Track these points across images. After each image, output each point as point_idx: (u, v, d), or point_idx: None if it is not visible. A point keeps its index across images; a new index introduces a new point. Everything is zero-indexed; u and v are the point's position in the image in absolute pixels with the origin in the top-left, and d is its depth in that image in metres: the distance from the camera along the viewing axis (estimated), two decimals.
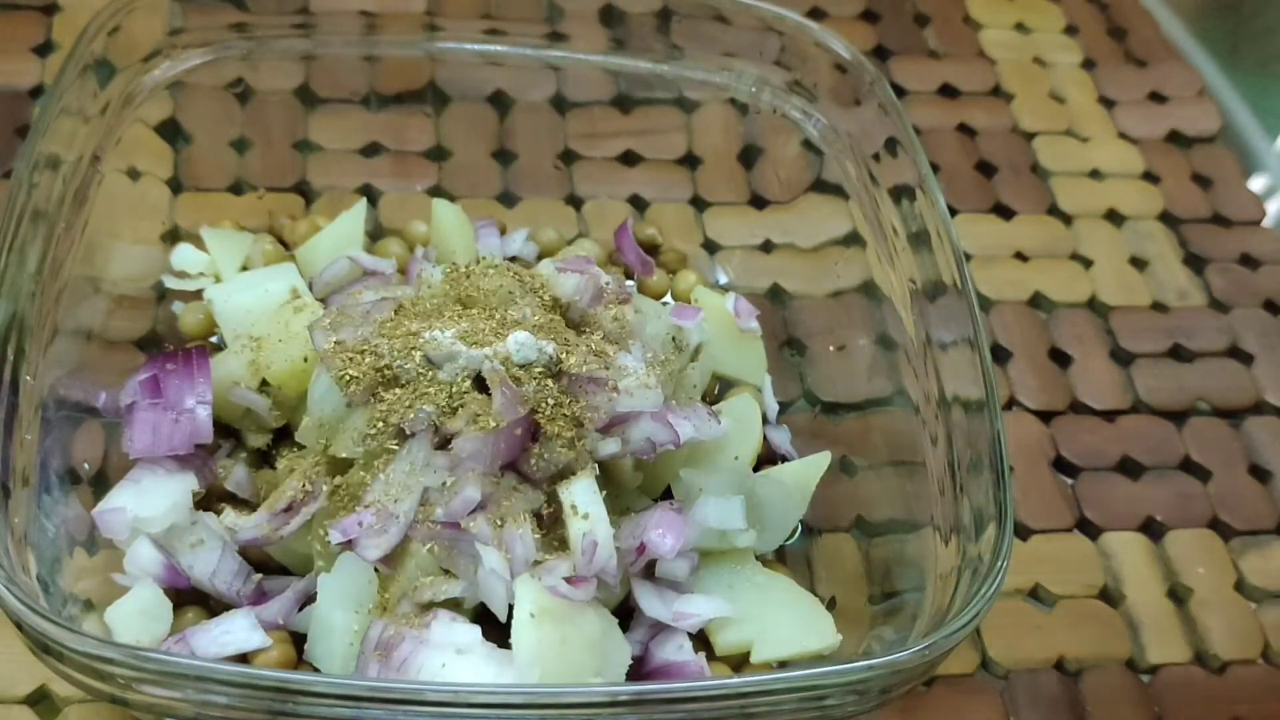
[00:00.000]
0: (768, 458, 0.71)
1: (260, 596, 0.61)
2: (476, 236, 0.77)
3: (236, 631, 0.59)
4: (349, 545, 0.58)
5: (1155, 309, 0.87)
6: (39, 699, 0.62)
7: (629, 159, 0.87)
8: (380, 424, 0.58)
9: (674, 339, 0.68)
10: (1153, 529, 0.76)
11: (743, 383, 0.74)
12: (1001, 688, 0.69)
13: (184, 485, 0.61)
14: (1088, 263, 0.88)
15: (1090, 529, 0.76)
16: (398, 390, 0.58)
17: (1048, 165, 0.94)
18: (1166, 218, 0.92)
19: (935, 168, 0.90)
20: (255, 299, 0.68)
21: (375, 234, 0.80)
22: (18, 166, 0.62)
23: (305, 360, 0.64)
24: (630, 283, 0.77)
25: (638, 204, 0.85)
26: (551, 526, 0.59)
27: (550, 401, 0.58)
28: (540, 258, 0.78)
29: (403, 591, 0.58)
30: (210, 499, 0.63)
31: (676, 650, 0.61)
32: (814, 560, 0.69)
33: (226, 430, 0.66)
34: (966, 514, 0.58)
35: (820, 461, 0.68)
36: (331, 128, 0.84)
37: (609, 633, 0.58)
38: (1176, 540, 0.76)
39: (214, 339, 0.72)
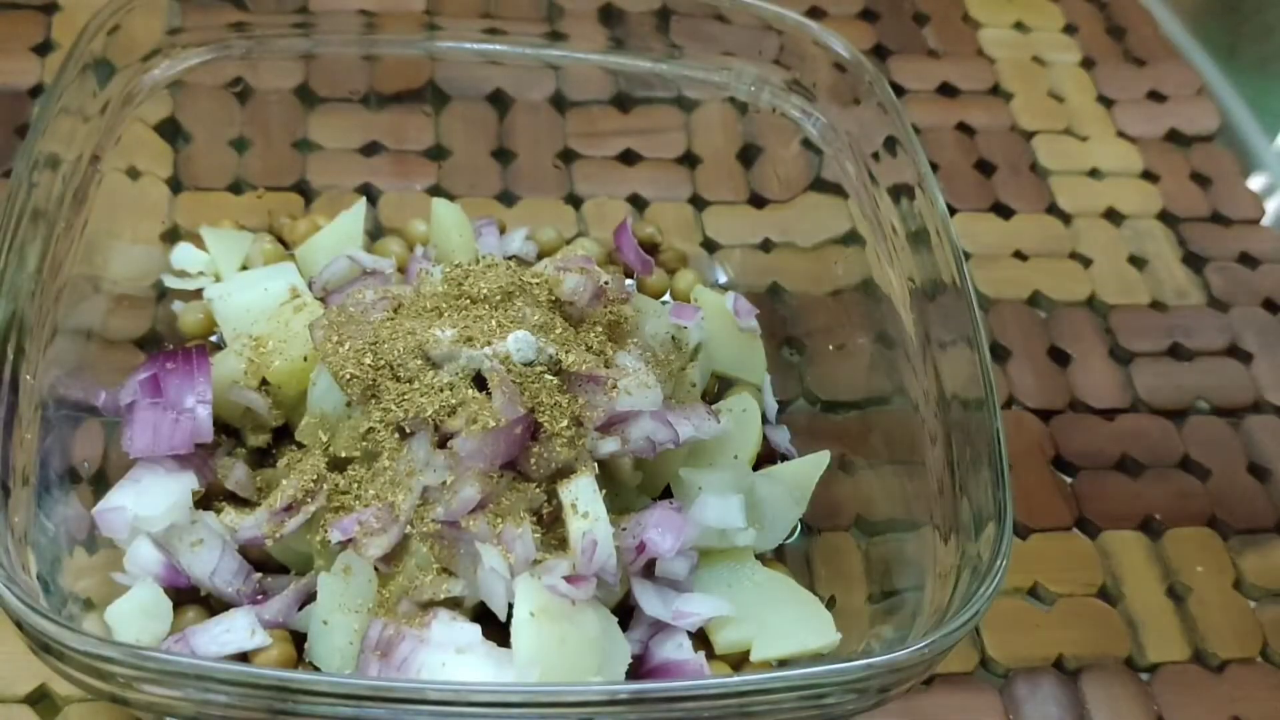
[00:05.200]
0: (767, 456, 0.71)
1: (260, 595, 0.61)
2: (476, 235, 0.77)
3: (236, 630, 0.59)
4: (349, 544, 0.58)
5: (1154, 308, 0.87)
6: (39, 698, 0.63)
7: (628, 158, 0.87)
8: (380, 423, 0.59)
9: (673, 338, 0.68)
10: (1152, 527, 0.76)
11: (742, 381, 0.74)
12: (1000, 686, 0.69)
13: (184, 484, 0.61)
14: (1087, 261, 0.89)
15: (1089, 527, 0.76)
16: (397, 389, 0.59)
17: (1047, 164, 0.94)
18: (1165, 216, 0.92)
19: (934, 167, 0.90)
20: (255, 298, 0.68)
21: (375, 233, 0.80)
22: (17, 166, 0.62)
23: (305, 359, 0.64)
24: (630, 281, 0.77)
25: (637, 203, 0.85)
26: (551, 525, 0.59)
27: (550, 400, 0.58)
28: (540, 257, 0.78)
29: (403, 590, 0.58)
30: (210, 498, 0.63)
31: (676, 649, 0.61)
32: (813, 559, 0.69)
33: (226, 429, 0.66)
34: (966, 513, 0.58)
35: (819, 460, 0.68)
36: (331, 127, 0.84)
37: (608, 631, 0.58)
38: (1175, 539, 0.76)
39: (214, 338, 0.72)
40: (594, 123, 0.87)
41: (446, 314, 0.61)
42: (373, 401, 0.59)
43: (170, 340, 0.72)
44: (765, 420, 0.72)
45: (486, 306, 0.62)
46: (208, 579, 0.61)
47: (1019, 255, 0.88)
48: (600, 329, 0.63)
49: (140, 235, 0.74)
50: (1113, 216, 0.92)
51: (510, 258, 0.75)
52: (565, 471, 0.59)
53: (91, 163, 0.66)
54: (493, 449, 0.57)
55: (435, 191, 0.83)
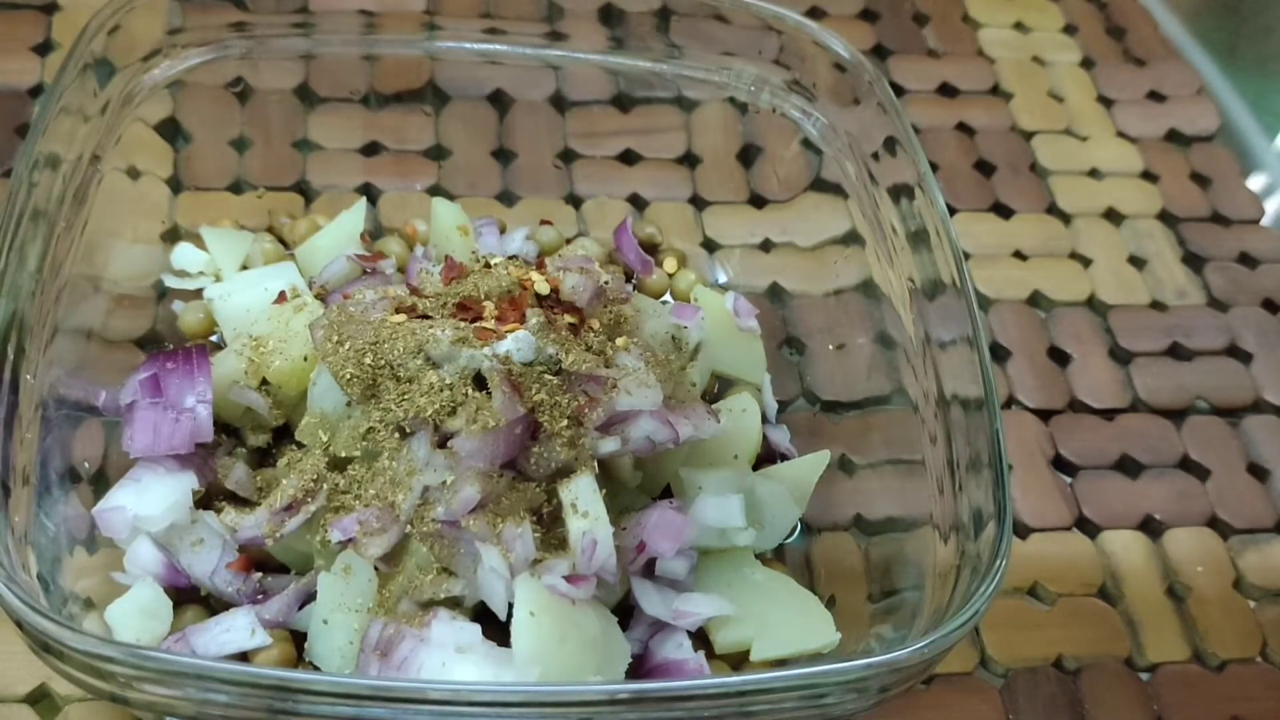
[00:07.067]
0: (767, 456, 0.71)
1: (260, 595, 0.61)
2: (476, 235, 0.77)
3: (236, 630, 0.59)
4: (349, 544, 0.58)
5: (1154, 308, 0.87)
6: (39, 698, 0.63)
7: (628, 158, 0.87)
8: (380, 423, 0.59)
9: (674, 338, 0.68)
10: (1151, 527, 0.76)
11: (742, 381, 0.74)
12: (1000, 686, 0.69)
13: (184, 484, 0.61)
14: (1086, 261, 0.89)
15: (1089, 527, 0.76)
16: (397, 389, 0.59)
17: (1046, 164, 0.94)
18: (1165, 216, 0.92)
19: (934, 167, 0.90)
20: (255, 298, 0.68)
21: (375, 233, 0.80)
22: (17, 165, 0.62)
23: (305, 359, 0.64)
24: (630, 282, 0.77)
25: (637, 203, 0.85)
26: (551, 525, 0.59)
27: (550, 400, 0.58)
28: (540, 257, 0.78)
29: (403, 590, 0.58)
30: (210, 498, 0.63)
31: (676, 649, 0.61)
32: (813, 559, 0.69)
33: (226, 429, 0.66)
34: (965, 512, 0.58)
35: (819, 460, 0.69)
36: (331, 127, 0.84)
37: (608, 631, 0.58)
38: (1175, 539, 0.76)
39: (214, 338, 0.72)
40: (594, 123, 0.87)
41: (446, 314, 0.61)
42: (373, 401, 0.59)
43: (170, 340, 0.72)
44: (765, 420, 0.72)
45: (487, 307, 0.62)
46: (208, 579, 0.61)
47: (1018, 255, 0.88)
48: (600, 329, 0.63)
49: (140, 235, 0.74)
50: (1112, 216, 0.92)
51: (510, 257, 0.75)
52: (565, 471, 0.59)
53: (91, 163, 0.66)
54: (493, 449, 0.57)
55: (435, 191, 0.83)
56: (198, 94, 0.76)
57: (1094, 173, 0.94)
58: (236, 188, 0.81)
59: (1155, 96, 1.00)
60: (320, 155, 0.84)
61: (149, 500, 0.60)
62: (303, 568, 0.62)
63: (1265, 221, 0.93)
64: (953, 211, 0.89)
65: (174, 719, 0.52)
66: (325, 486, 0.59)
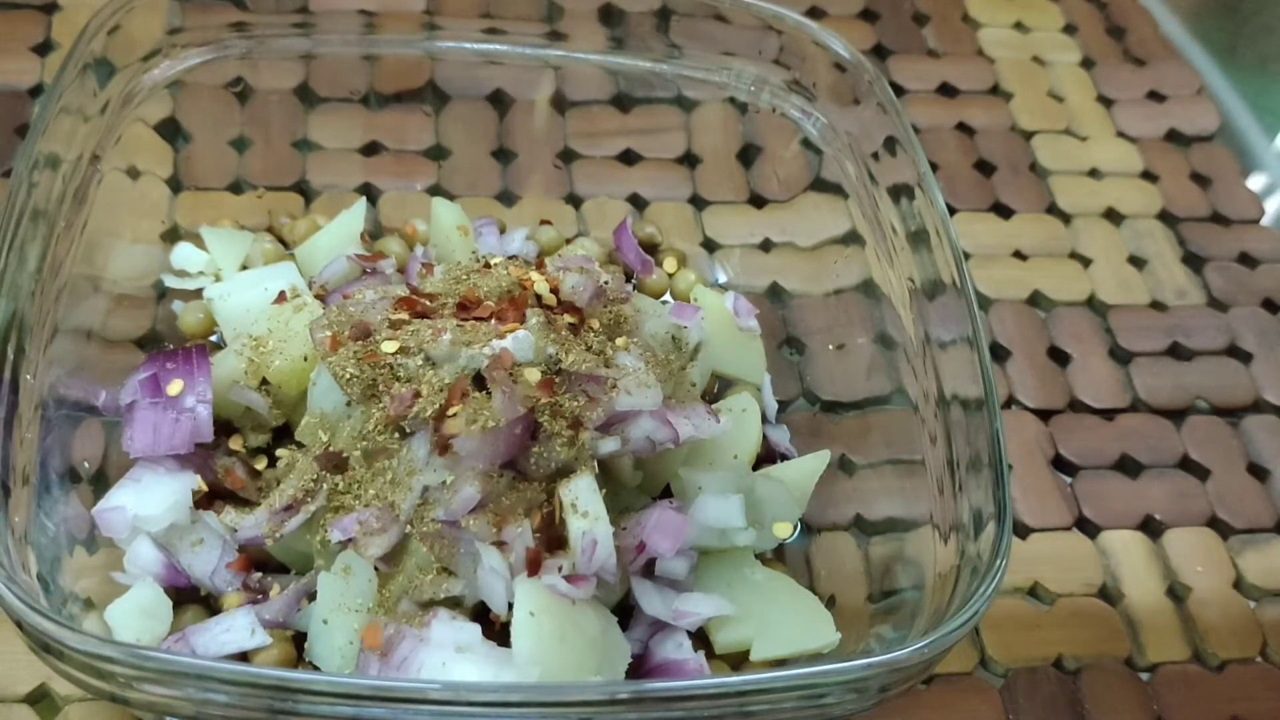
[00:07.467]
0: (767, 456, 0.71)
1: (260, 596, 0.61)
2: (476, 235, 0.77)
3: (236, 630, 0.59)
4: (349, 544, 0.58)
5: (1154, 307, 0.87)
6: (39, 698, 0.63)
7: (628, 158, 0.87)
8: (380, 423, 0.58)
9: (673, 338, 0.68)
10: (1151, 527, 0.76)
11: (742, 381, 0.74)
12: (1000, 686, 0.69)
13: (184, 484, 0.61)
14: (1086, 261, 0.89)
15: (1089, 527, 0.76)
16: (398, 389, 0.59)
17: (1046, 164, 0.94)
18: (1165, 216, 0.92)
19: (934, 167, 0.90)
20: (255, 298, 0.68)
21: (375, 233, 0.80)
22: (17, 165, 0.62)
23: (305, 359, 0.64)
24: (630, 282, 0.77)
25: (637, 203, 0.85)
26: (551, 525, 0.59)
27: (550, 400, 0.58)
28: (540, 257, 0.78)
29: (403, 590, 0.58)
30: (210, 498, 0.63)
31: (676, 648, 0.61)
32: (813, 559, 0.69)
33: (226, 428, 0.66)
34: (965, 512, 0.58)
35: (819, 460, 0.69)
36: (331, 127, 0.84)
37: (608, 631, 0.58)
38: (1175, 539, 0.76)
39: (214, 338, 0.72)
40: (594, 123, 0.87)
41: (447, 314, 0.61)
42: (373, 401, 0.59)
43: (170, 340, 0.72)
44: (765, 420, 0.72)
45: (486, 307, 0.62)
46: (208, 578, 0.61)
47: (1018, 255, 0.88)
48: (600, 329, 0.63)
49: (140, 235, 0.74)
50: (1112, 216, 0.92)
51: (510, 257, 0.75)
52: (565, 471, 0.59)
53: (91, 163, 0.66)
54: (493, 449, 0.57)
55: (435, 191, 0.83)
56: (198, 94, 0.76)
57: (1094, 173, 0.94)
58: (236, 188, 0.81)
59: (1155, 96, 1.00)
60: (320, 155, 0.84)
61: (149, 500, 0.61)
62: (303, 568, 0.62)
63: (1265, 221, 0.93)
64: (953, 211, 0.89)
65: (174, 719, 0.52)
66: (325, 486, 0.59)
